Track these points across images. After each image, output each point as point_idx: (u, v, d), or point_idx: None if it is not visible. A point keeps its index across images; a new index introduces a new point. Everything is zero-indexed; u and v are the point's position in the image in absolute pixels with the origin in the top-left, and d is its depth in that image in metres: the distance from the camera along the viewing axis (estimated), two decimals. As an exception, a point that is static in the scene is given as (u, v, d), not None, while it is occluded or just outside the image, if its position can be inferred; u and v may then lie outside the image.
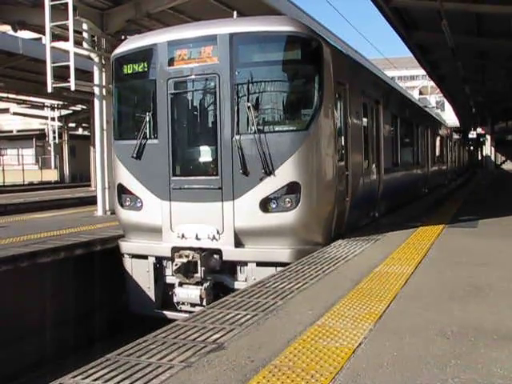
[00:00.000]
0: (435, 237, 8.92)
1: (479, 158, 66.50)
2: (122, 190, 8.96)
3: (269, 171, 7.77)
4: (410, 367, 3.53)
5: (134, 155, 8.57)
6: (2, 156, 45.36)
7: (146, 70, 8.76)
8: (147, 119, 8.51)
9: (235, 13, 9.26)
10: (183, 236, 8.26)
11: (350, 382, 3.35)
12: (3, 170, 39.13)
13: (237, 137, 7.93)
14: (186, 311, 7.96)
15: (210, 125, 8.46)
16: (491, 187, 25.33)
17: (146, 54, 8.69)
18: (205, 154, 8.48)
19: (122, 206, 8.99)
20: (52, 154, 42.13)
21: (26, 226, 12.16)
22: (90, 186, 27.40)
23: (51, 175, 41.85)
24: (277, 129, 8.10)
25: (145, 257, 8.70)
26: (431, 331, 4.24)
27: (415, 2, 13.79)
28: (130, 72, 8.87)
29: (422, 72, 33.26)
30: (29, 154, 45.25)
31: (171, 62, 8.35)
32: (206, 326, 4.56)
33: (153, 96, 8.51)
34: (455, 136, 36.08)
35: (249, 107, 7.83)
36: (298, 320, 4.60)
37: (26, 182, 38.45)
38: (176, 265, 8.05)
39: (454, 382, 3.31)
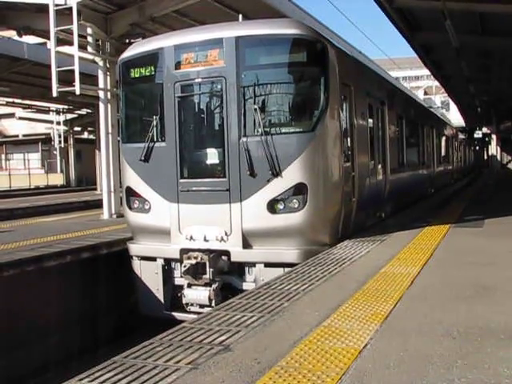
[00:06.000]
0: (441, 237, 8.90)
1: (485, 157, 66.23)
2: (130, 193, 9.04)
3: (276, 173, 7.82)
4: (417, 367, 3.53)
5: (142, 158, 8.65)
6: (8, 160, 45.58)
7: (152, 73, 8.85)
8: (154, 122, 8.59)
9: (241, 16, 9.28)
10: (191, 238, 8.34)
11: (357, 383, 3.34)
12: (9, 175, 39.29)
13: (244, 139, 8.00)
14: (194, 312, 7.98)
15: (217, 127, 8.52)
16: (497, 187, 25.21)
17: (152, 58, 8.77)
18: (212, 156, 8.52)
19: (130, 208, 9.07)
20: (58, 158, 42.24)
21: (33, 230, 12.20)
22: (95, 189, 27.46)
23: (57, 179, 41.97)
24: (283, 130, 8.14)
25: (153, 259, 8.77)
26: (437, 331, 4.23)
27: (418, 2, 13.74)
28: (137, 76, 8.94)
29: (426, 72, 33.13)
30: (35, 158, 45.39)
31: (178, 65, 8.43)
32: (212, 327, 4.57)
33: (160, 99, 8.59)
34: (461, 136, 35.97)
35: (255, 109, 7.88)
36: (304, 321, 4.60)
37: (32, 186, 38.55)
38: (185, 266, 8.10)
39: (460, 381, 3.30)
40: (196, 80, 8.41)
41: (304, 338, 4.18)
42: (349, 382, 3.37)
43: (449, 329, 4.27)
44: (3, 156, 46.55)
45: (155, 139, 8.64)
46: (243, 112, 8.02)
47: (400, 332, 4.26)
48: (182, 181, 8.43)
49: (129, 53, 9.24)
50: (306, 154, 7.86)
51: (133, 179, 8.95)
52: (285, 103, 8.44)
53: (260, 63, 8.35)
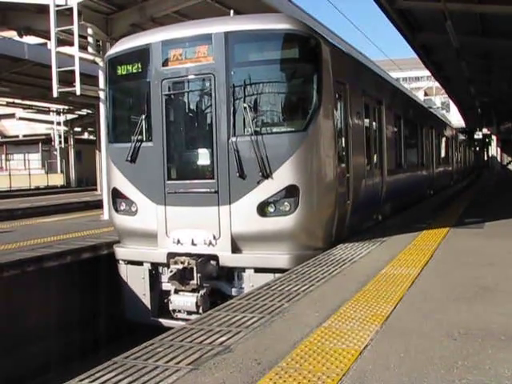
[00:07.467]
0: (441, 238, 8.89)
1: (485, 158, 66.27)
2: (117, 195, 8.76)
3: (266, 174, 7.55)
4: (417, 368, 3.52)
5: (129, 158, 8.38)
6: (8, 161, 45.61)
7: (140, 70, 8.52)
8: (141, 121, 8.32)
9: (232, 11, 9.16)
10: (179, 241, 8.06)
11: (357, 384, 3.35)
12: (10, 175, 39.31)
13: (233, 139, 7.72)
14: (182, 319, 7.71)
15: (206, 127, 8.23)
16: (497, 188, 25.22)
17: (139, 55, 8.46)
18: (200, 156, 8.26)
19: (116, 210, 8.80)
20: (58, 158, 42.27)
21: (33, 231, 12.18)
22: (96, 189, 27.45)
23: (57, 179, 42.00)
24: (274, 130, 7.88)
25: (140, 263, 8.49)
26: (438, 332, 4.23)
27: (419, 3, 13.75)
28: (123, 73, 8.66)
29: (426, 73, 33.18)
30: (35, 158, 45.45)
31: (165, 62, 8.15)
32: (212, 328, 4.57)
33: (147, 97, 8.30)
34: (461, 137, 35.96)
35: (245, 108, 7.64)
36: (304, 322, 4.59)
37: (32, 187, 38.56)
38: (171, 271, 7.81)
39: (461, 383, 3.30)
40: (184, 77, 8.12)
41: (304, 338, 4.18)
42: (349, 382, 3.36)
43: (449, 330, 4.27)
44: (3, 156, 46.60)
45: (142, 139, 8.36)
46: (232, 111, 7.72)
47: (400, 333, 4.26)
48: (169, 182, 8.15)
49: (116, 49, 8.95)
50: (297, 155, 7.58)
51: (119, 180, 8.66)
52: (276, 101, 8.15)
53: (250, 59, 8.08)
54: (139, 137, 8.36)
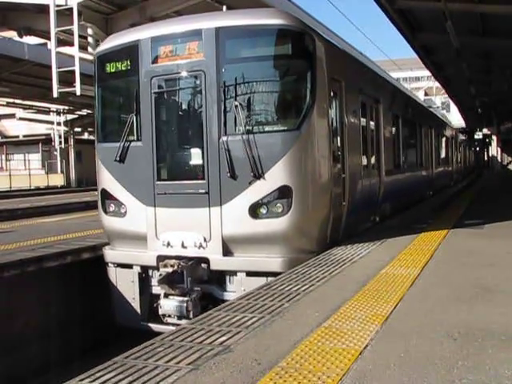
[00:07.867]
0: (441, 238, 8.89)
1: (485, 158, 66.32)
2: (106, 196, 8.58)
3: (258, 174, 7.33)
4: (417, 368, 3.52)
5: (117, 158, 8.17)
6: (8, 161, 45.65)
7: (129, 67, 8.26)
8: (130, 120, 8.12)
9: (225, 7, 9.07)
10: (169, 244, 7.85)
11: (357, 384, 3.34)
12: (10, 175, 39.34)
13: (224, 138, 7.51)
14: (172, 324, 7.51)
15: (196, 125, 7.99)
16: (498, 188, 25.21)
17: (129, 51, 8.21)
18: (190, 156, 8.04)
19: (105, 212, 8.61)
20: (58, 158, 42.31)
21: (33, 231, 12.17)
22: (96, 190, 27.42)
23: (57, 180, 42.04)
24: (266, 129, 7.66)
25: (129, 266, 8.29)
26: (438, 332, 4.22)
27: (419, 3, 13.76)
28: (112, 71, 8.43)
29: (427, 73, 33.22)
30: (35, 158, 45.51)
31: (155, 59, 7.93)
32: (212, 328, 4.56)
33: (136, 96, 8.08)
34: (461, 137, 35.96)
35: (236, 106, 7.40)
36: (304, 322, 4.59)
37: (32, 187, 38.59)
38: (160, 275, 7.60)
39: (461, 383, 3.29)
40: (174, 75, 7.90)
41: (304, 338, 4.17)
42: (349, 382, 3.36)
43: (450, 330, 4.27)
44: (4, 156, 46.66)
45: (131, 138, 8.14)
46: (224, 109, 7.50)
47: (401, 333, 4.26)
48: (158, 183, 7.93)
49: (105, 46, 8.75)
50: (290, 155, 7.35)
51: (108, 181, 8.45)
52: (268, 99, 7.94)
53: (242, 56, 7.82)
54: (128, 136, 8.16)
